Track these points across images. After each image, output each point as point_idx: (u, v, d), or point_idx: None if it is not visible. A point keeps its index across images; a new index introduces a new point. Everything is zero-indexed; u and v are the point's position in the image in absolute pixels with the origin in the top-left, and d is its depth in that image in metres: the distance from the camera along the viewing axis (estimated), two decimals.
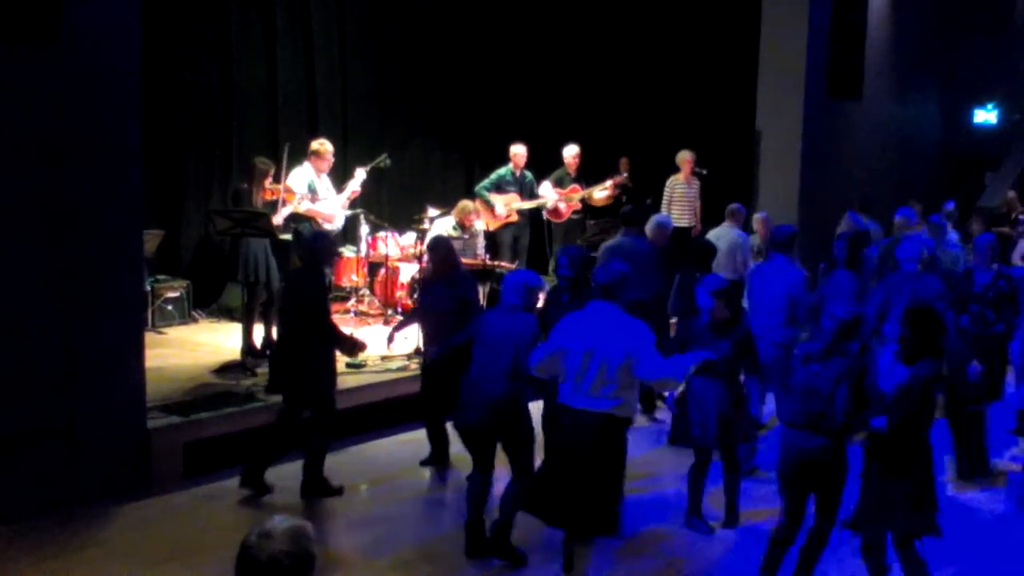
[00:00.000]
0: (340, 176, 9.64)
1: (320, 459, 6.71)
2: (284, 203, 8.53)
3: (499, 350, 5.74)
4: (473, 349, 5.92)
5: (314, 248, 6.88)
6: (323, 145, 9.03)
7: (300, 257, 7.58)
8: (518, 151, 10.94)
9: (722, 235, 9.98)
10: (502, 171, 10.96)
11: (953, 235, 10.47)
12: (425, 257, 8.53)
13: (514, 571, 5.76)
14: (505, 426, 5.81)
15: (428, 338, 7.29)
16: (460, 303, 6.91)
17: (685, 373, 5.45)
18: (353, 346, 6.98)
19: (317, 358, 6.63)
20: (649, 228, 8.59)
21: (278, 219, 8.48)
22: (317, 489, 6.69)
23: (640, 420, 8.04)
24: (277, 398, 7.08)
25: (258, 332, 8.78)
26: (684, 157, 11.60)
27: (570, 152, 11.26)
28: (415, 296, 9.87)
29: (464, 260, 9.29)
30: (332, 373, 6.82)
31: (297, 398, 6.74)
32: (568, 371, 5.42)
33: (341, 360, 7.96)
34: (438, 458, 7.39)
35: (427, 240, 8.64)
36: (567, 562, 5.57)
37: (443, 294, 7.00)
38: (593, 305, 5.57)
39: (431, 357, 7.04)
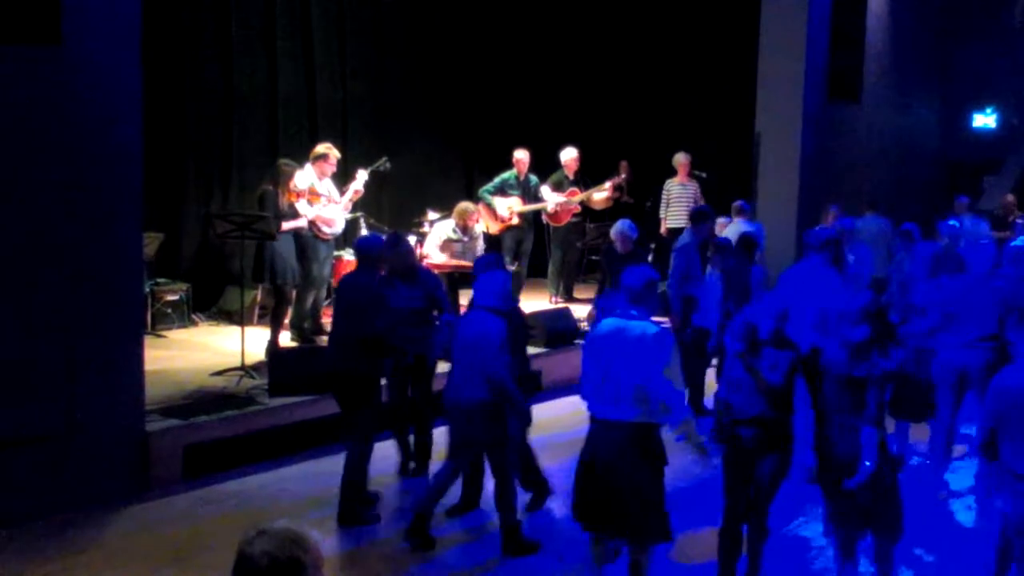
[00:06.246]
0: (340, 179, 9.64)
1: (360, 475, 6.35)
2: (310, 204, 8.82)
3: (475, 353, 5.78)
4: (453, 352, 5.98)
5: (360, 249, 6.64)
6: (331, 149, 9.05)
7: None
8: (520, 156, 10.94)
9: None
10: (506, 175, 10.96)
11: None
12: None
13: None
14: (486, 428, 5.82)
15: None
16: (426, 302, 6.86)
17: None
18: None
19: (369, 362, 6.35)
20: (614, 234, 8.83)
21: (302, 222, 8.76)
22: (353, 517, 6.30)
23: None
24: (278, 401, 7.00)
25: (264, 335, 8.82)
26: (679, 160, 11.65)
27: (568, 155, 11.26)
28: None
29: (464, 263, 9.30)
30: (378, 379, 6.52)
31: (347, 400, 6.45)
32: (592, 378, 5.14)
33: None
34: (406, 466, 7.27)
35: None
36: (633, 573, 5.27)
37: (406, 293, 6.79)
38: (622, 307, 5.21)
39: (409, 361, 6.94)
